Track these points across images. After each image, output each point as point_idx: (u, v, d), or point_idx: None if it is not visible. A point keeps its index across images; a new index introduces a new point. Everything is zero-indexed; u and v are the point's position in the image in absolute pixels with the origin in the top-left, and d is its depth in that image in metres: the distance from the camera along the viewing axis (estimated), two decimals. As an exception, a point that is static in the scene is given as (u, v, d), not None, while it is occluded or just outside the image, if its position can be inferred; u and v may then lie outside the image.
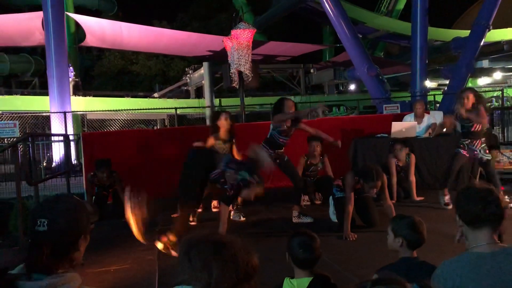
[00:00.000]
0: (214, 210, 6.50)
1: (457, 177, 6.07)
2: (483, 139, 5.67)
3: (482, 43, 18.41)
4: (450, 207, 5.63)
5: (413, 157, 6.39)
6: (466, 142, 5.69)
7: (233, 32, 10.14)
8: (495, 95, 21.46)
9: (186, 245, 1.32)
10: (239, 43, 9.98)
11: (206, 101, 19.62)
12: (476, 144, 5.63)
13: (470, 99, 5.47)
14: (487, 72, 23.95)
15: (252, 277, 1.30)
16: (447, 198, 5.82)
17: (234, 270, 1.25)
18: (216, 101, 19.97)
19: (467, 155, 5.74)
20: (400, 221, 2.60)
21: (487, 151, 5.70)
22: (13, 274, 1.46)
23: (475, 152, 5.66)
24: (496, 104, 19.87)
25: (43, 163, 11.86)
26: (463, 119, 5.60)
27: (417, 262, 2.52)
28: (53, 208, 1.55)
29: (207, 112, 17.00)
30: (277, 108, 5.45)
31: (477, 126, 5.58)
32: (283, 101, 5.46)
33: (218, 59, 19.88)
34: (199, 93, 22.93)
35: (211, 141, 5.62)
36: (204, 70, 19.82)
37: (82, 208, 1.62)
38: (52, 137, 12.34)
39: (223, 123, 5.64)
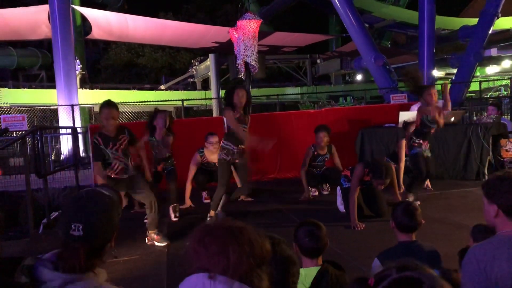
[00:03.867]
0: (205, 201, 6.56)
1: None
2: (430, 141, 5.63)
3: (490, 31, 18.22)
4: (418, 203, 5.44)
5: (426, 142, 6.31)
6: (419, 141, 5.51)
7: (238, 23, 10.12)
8: (503, 83, 21.27)
9: (200, 233, 1.33)
10: (245, 34, 9.96)
11: (212, 92, 19.63)
12: (425, 145, 5.54)
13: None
14: (496, 60, 23.69)
15: (266, 261, 1.31)
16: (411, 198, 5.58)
17: (250, 254, 1.27)
18: (222, 93, 19.94)
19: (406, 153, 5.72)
20: (396, 206, 2.77)
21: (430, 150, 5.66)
22: (32, 262, 1.47)
23: (419, 149, 5.53)
24: (505, 92, 19.71)
25: (51, 156, 11.94)
26: (429, 120, 5.42)
27: (415, 245, 2.60)
28: (88, 210, 1.53)
29: (213, 103, 17.01)
30: (227, 99, 5.03)
31: (436, 130, 5.55)
32: (233, 90, 4.95)
33: (224, 51, 19.85)
34: (205, 85, 22.93)
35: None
36: (210, 61, 19.81)
37: (113, 205, 1.61)
38: (60, 130, 12.42)
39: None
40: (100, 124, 4.54)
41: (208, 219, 5.14)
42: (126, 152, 4.47)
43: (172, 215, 5.62)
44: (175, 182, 5.76)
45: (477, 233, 2.46)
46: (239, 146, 5.01)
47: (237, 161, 5.14)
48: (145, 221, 4.89)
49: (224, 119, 5.22)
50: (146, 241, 4.66)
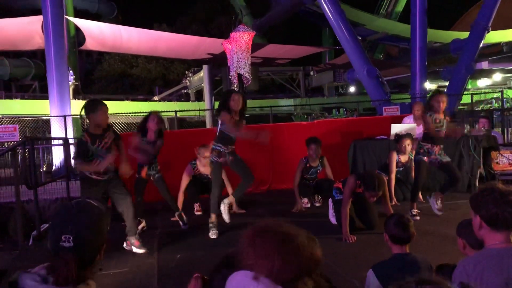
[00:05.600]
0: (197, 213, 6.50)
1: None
2: (442, 145, 5.53)
3: (481, 45, 18.43)
4: (418, 218, 5.39)
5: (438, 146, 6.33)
6: (427, 146, 5.49)
7: (232, 35, 10.20)
8: (494, 96, 21.49)
9: (252, 233, 1.36)
10: (238, 46, 10.02)
11: (206, 104, 19.65)
12: (435, 149, 5.47)
13: (445, 102, 5.36)
14: (487, 73, 23.98)
15: (314, 271, 1.32)
16: (415, 211, 5.53)
17: (296, 263, 1.28)
18: (216, 104, 19.95)
19: (427, 160, 5.52)
20: (389, 218, 2.81)
21: (445, 154, 5.55)
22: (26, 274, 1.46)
23: (433, 156, 5.48)
24: (496, 105, 19.89)
25: (43, 167, 11.86)
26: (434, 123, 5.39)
27: (408, 258, 2.61)
28: (77, 221, 1.52)
29: (207, 115, 17.02)
30: (222, 103, 5.13)
31: (443, 133, 5.46)
32: (229, 95, 5.11)
33: (218, 62, 19.92)
34: (199, 96, 22.96)
35: None
36: (203, 73, 19.85)
37: (103, 216, 1.61)
38: (52, 140, 12.34)
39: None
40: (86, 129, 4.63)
41: (210, 225, 5.14)
42: (110, 150, 4.55)
43: (181, 223, 5.61)
44: (167, 189, 5.65)
45: (461, 228, 2.46)
46: (229, 146, 5.14)
47: (230, 158, 5.18)
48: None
49: (219, 121, 5.22)
50: (124, 245, 4.70)
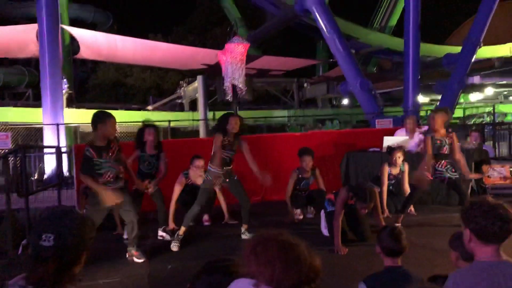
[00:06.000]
0: (205, 223, 6.49)
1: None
2: (448, 160, 5.47)
3: (473, 60, 18.65)
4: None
5: (406, 165, 6.42)
6: (432, 163, 5.43)
7: (227, 46, 10.24)
8: (486, 110, 21.69)
9: (255, 241, 1.38)
10: (233, 57, 10.07)
11: (200, 114, 19.65)
12: (441, 164, 5.45)
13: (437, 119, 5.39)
14: (479, 88, 24.22)
15: (313, 280, 1.34)
16: (398, 225, 5.42)
17: (297, 271, 1.30)
18: (210, 114, 20.00)
19: (431, 178, 5.46)
20: (382, 231, 2.85)
21: (454, 170, 5.49)
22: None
23: (438, 172, 5.45)
24: (488, 119, 20.09)
25: (34, 175, 11.76)
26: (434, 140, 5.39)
27: (400, 271, 2.62)
28: (60, 223, 1.52)
29: (201, 125, 17.03)
30: (220, 124, 5.20)
31: (446, 150, 5.43)
32: (227, 118, 5.17)
33: (213, 73, 19.97)
34: (193, 106, 22.96)
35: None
36: (198, 83, 19.88)
37: (86, 223, 1.61)
38: (44, 149, 12.27)
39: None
40: (89, 141, 4.59)
41: (176, 235, 5.18)
42: (117, 159, 4.56)
43: (167, 236, 5.62)
44: (163, 203, 5.73)
45: (453, 241, 2.48)
46: (224, 168, 5.18)
47: (227, 180, 5.29)
48: (125, 237, 4.99)
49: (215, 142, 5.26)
50: (127, 255, 4.73)
